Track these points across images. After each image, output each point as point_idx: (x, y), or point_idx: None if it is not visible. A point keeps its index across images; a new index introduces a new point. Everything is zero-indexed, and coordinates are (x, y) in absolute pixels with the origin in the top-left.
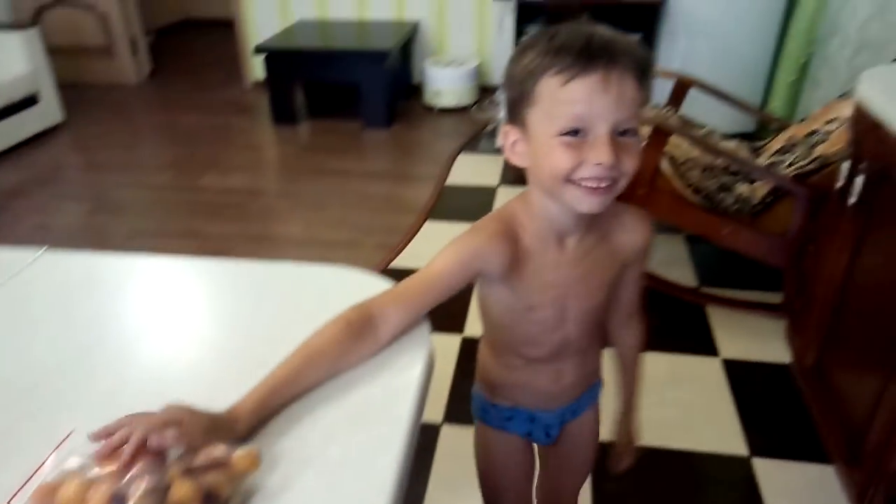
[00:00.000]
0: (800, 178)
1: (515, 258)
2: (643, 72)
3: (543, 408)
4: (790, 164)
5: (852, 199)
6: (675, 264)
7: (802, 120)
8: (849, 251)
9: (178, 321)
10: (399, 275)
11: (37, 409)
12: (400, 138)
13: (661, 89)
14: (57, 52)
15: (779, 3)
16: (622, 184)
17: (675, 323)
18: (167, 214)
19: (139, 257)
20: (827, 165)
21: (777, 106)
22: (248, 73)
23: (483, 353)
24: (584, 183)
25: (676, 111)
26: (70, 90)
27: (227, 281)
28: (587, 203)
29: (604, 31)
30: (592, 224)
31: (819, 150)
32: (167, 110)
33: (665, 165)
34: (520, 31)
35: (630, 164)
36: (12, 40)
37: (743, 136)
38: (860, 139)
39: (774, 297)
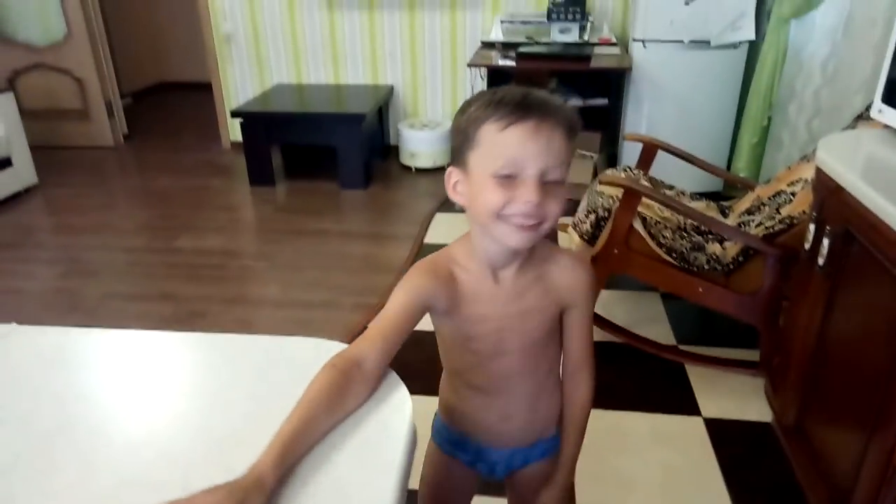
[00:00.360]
0: (769, 237)
1: (453, 292)
2: (571, 129)
3: (492, 444)
4: (759, 224)
5: (821, 261)
6: (652, 322)
7: (768, 181)
8: (821, 310)
9: (152, 398)
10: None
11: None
12: (377, 199)
13: (631, 152)
14: (33, 115)
15: (738, 67)
16: (546, 226)
17: (655, 381)
18: (141, 277)
19: (111, 331)
20: (793, 225)
21: (741, 166)
22: (226, 135)
23: (442, 379)
24: (513, 220)
25: (646, 173)
26: (45, 153)
27: (202, 354)
28: (515, 238)
29: (539, 91)
30: (527, 263)
31: (785, 211)
32: (143, 172)
33: (638, 226)
34: None
35: (554, 208)
36: None
37: (710, 196)
38: (823, 202)
39: (752, 355)
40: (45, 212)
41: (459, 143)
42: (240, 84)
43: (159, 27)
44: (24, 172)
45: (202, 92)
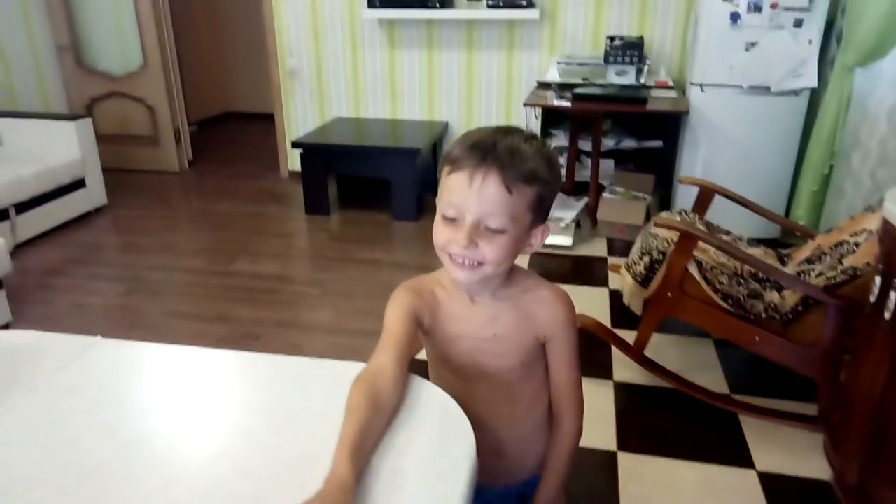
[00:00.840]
0: (830, 288)
1: (433, 309)
2: (515, 177)
3: (485, 482)
4: (819, 274)
5: (887, 315)
6: (705, 369)
7: (829, 230)
8: (887, 366)
9: (226, 414)
10: (424, 364)
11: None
12: (427, 231)
13: (685, 196)
14: (106, 140)
15: (799, 114)
16: (487, 269)
17: (707, 430)
18: (199, 298)
19: (188, 348)
20: (857, 276)
21: (800, 214)
22: (285, 164)
23: None
24: (454, 257)
25: (702, 217)
26: (115, 175)
27: (272, 375)
28: (457, 274)
29: (504, 138)
30: (503, 291)
31: (848, 262)
32: (205, 197)
33: (693, 270)
34: (546, 134)
35: (490, 254)
36: (66, 129)
37: (768, 243)
38: (890, 254)
39: (809, 408)
40: (113, 231)
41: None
42: (301, 116)
43: (227, 60)
44: (95, 193)
45: (264, 122)
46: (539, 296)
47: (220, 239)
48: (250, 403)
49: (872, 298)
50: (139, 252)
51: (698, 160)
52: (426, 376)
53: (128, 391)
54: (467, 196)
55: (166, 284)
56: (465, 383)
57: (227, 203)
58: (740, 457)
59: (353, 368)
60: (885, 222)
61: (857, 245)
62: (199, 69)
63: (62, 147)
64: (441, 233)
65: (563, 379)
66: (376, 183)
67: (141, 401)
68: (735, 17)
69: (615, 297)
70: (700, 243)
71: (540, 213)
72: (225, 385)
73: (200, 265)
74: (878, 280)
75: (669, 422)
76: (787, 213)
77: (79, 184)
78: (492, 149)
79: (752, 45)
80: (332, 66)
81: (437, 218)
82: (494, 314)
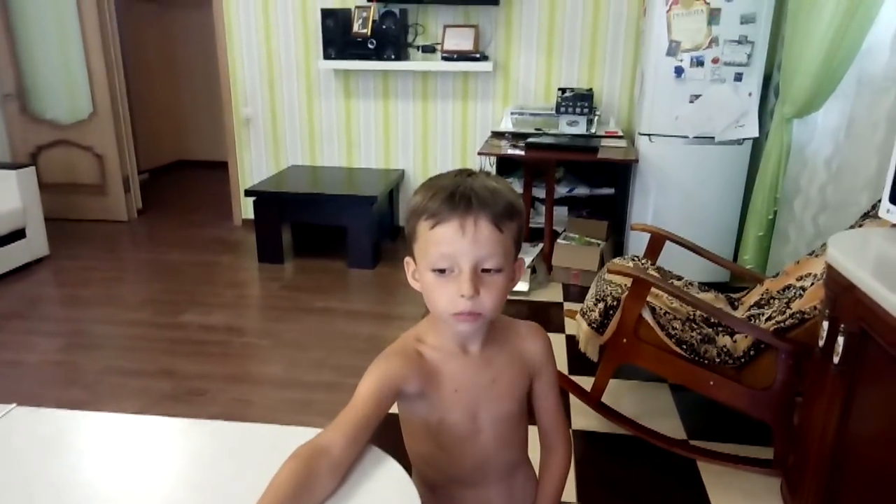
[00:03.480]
0: (780, 332)
1: (423, 372)
2: (502, 216)
3: None
4: (769, 318)
5: (836, 359)
6: (661, 415)
7: (776, 275)
8: (838, 410)
9: (150, 485)
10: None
11: None
12: (384, 279)
13: (637, 241)
14: (51, 188)
15: (743, 162)
16: (487, 315)
17: (665, 477)
18: (143, 352)
19: (110, 416)
20: (805, 321)
21: (747, 258)
22: (238, 212)
23: (413, 476)
24: (460, 314)
25: (654, 263)
26: (60, 224)
27: (202, 442)
28: (460, 327)
29: (474, 181)
30: (491, 333)
31: (796, 305)
32: (154, 247)
33: (647, 315)
34: None
35: (489, 298)
36: (6, 178)
37: (717, 287)
38: (836, 299)
39: (766, 452)
40: (53, 283)
41: (407, 235)
42: (255, 164)
43: (181, 107)
44: (36, 244)
45: (218, 170)
46: (520, 332)
47: (167, 290)
48: (180, 475)
49: (821, 343)
50: (81, 305)
51: (649, 206)
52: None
53: (43, 465)
54: (461, 245)
55: (108, 339)
56: (460, 442)
57: (178, 252)
58: None
59: (296, 436)
60: (829, 268)
61: (803, 289)
62: (151, 116)
63: (1, 196)
64: (439, 292)
65: (552, 407)
66: (332, 231)
67: (58, 476)
68: (679, 70)
69: (571, 342)
70: (653, 289)
71: (518, 246)
72: (153, 455)
73: (145, 317)
74: (825, 325)
75: (628, 471)
76: (735, 258)
77: (19, 234)
78: (472, 194)
79: (696, 97)
80: (288, 114)
81: (426, 277)
82: (488, 359)
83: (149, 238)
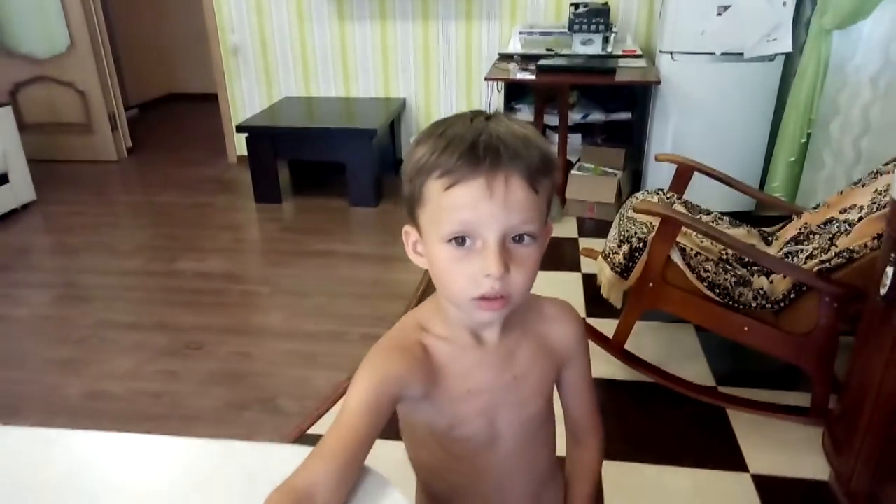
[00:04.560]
0: (824, 273)
1: (428, 370)
2: (538, 171)
3: None
4: (810, 256)
5: None
6: (687, 359)
7: (816, 207)
8: None
9: None
10: None
11: None
12: (388, 216)
13: (656, 168)
14: (34, 129)
15: (773, 81)
16: (517, 298)
17: (694, 429)
18: (137, 303)
19: (64, 432)
20: (853, 260)
21: (777, 186)
22: (232, 149)
23: (416, 493)
24: (484, 297)
25: (680, 197)
26: (46, 167)
27: (148, 460)
28: (482, 315)
29: (498, 125)
30: (510, 319)
31: (842, 243)
32: (145, 188)
33: (676, 258)
34: (510, 109)
35: (521, 276)
36: None
37: (740, 216)
38: None
39: (802, 398)
40: (42, 230)
41: (409, 197)
42: (247, 97)
43: (167, 38)
44: (21, 189)
45: (210, 104)
46: (547, 313)
47: (160, 235)
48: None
49: (883, 290)
50: (71, 253)
51: (669, 132)
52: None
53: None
54: (489, 210)
55: (100, 289)
56: (475, 453)
57: (170, 194)
58: (732, 458)
59: (280, 456)
60: (895, 205)
61: (849, 224)
62: (137, 48)
63: None
64: (456, 270)
65: (585, 407)
66: (331, 167)
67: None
68: None
69: (588, 282)
70: (682, 228)
71: (550, 205)
72: (98, 473)
73: (138, 266)
74: (889, 271)
75: (653, 422)
76: (762, 185)
77: (1, 179)
78: (500, 144)
79: (725, 8)
80: (279, 41)
81: (437, 251)
82: (509, 350)
83: (139, 178)
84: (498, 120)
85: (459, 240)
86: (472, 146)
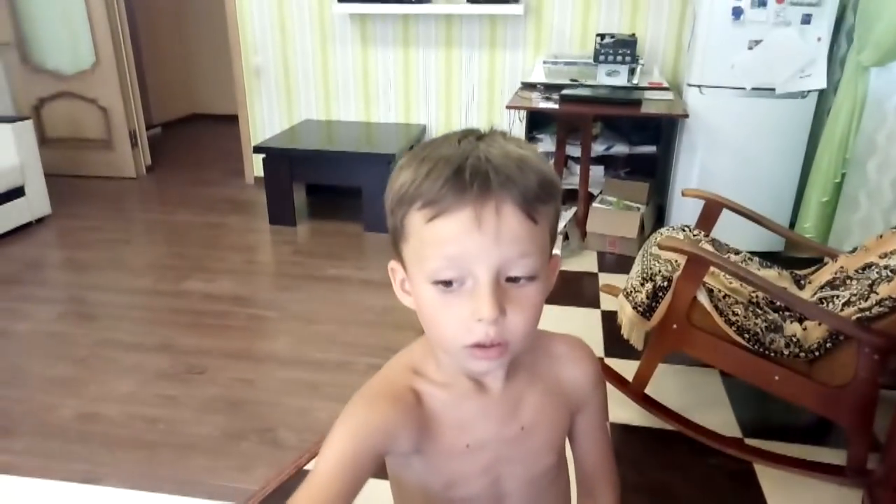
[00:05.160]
0: (864, 321)
1: (420, 422)
2: (536, 198)
3: None
4: (848, 303)
5: None
6: (711, 406)
7: (853, 251)
8: None
9: None
10: None
11: None
12: None
13: (681, 205)
14: (55, 144)
15: (806, 118)
16: (516, 346)
17: (719, 484)
18: (142, 323)
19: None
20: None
21: (808, 227)
22: (250, 170)
23: None
24: (478, 346)
25: (707, 235)
26: (64, 182)
27: None
28: (477, 365)
29: (490, 146)
30: (516, 360)
31: (884, 291)
32: (161, 206)
33: (703, 299)
34: (531, 139)
35: (520, 320)
36: (3, 132)
37: (768, 257)
38: None
39: (834, 455)
40: (54, 245)
41: (392, 230)
42: (267, 118)
43: (192, 58)
44: (36, 202)
45: (232, 125)
46: (555, 352)
47: (172, 254)
48: None
49: None
50: (81, 269)
51: (695, 167)
52: None
53: None
54: (479, 243)
55: (106, 307)
56: None
57: (185, 213)
58: None
59: None
60: None
61: (891, 270)
62: (162, 67)
63: None
64: (444, 315)
65: (600, 448)
66: (348, 191)
67: None
68: (738, 12)
69: (608, 319)
70: (711, 267)
71: (554, 236)
72: None
73: (147, 284)
74: None
75: (674, 474)
76: (792, 226)
77: (17, 192)
78: (489, 167)
79: (756, 42)
80: (301, 64)
81: (422, 292)
82: (516, 397)
83: (156, 196)
84: (491, 139)
85: (446, 280)
86: (457, 171)
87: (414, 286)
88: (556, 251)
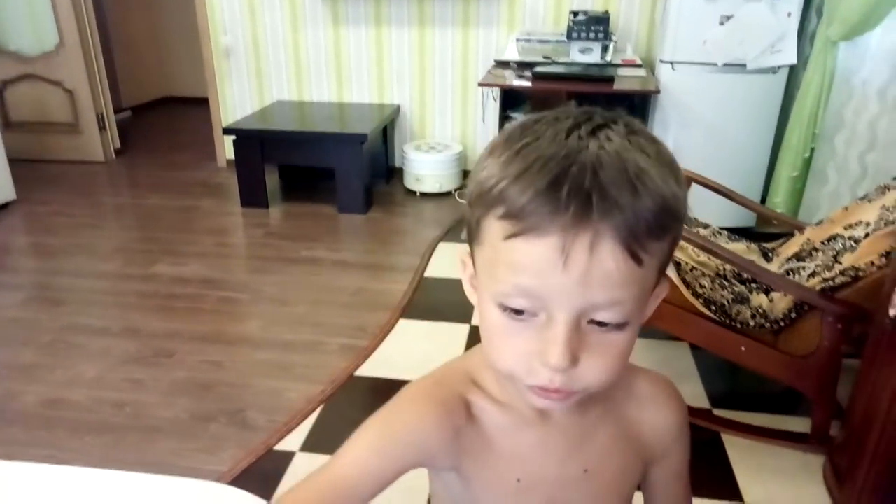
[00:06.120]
0: (828, 291)
1: (469, 440)
2: (648, 232)
3: None
4: (812, 274)
5: None
6: (681, 378)
7: (820, 222)
8: None
9: None
10: (365, 384)
11: None
12: (377, 225)
13: None
14: (19, 127)
15: (777, 94)
16: (591, 390)
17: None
18: (109, 307)
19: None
20: (859, 278)
21: (779, 201)
22: (221, 153)
23: None
24: (535, 389)
25: None
26: (30, 166)
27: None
28: (540, 403)
29: (607, 145)
30: (590, 398)
31: (847, 261)
32: (131, 190)
33: (671, 272)
34: (504, 117)
35: (593, 374)
36: None
37: (741, 232)
38: None
39: (801, 424)
40: (19, 230)
41: (467, 223)
42: (238, 100)
43: (163, 40)
44: (1, 187)
45: (204, 108)
46: (637, 391)
47: (142, 238)
48: None
49: (893, 311)
50: (47, 254)
51: (668, 144)
52: None
53: None
54: (561, 283)
55: (73, 292)
56: None
57: (156, 196)
58: (725, 486)
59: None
60: None
61: (854, 241)
62: (131, 49)
63: None
64: (507, 344)
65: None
66: (321, 173)
67: None
68: None
69: None
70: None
71: (663, 270)
72: None
73: (115, 269)
74: None
75: None
76: (763, 201)
77: None
78: (595, 185)
79: (728, 18)
80: (272, 44)
81: (489, 311)
82: (583, 433)
83: (126, 180)
84: (609, 135)
85: (517, 310)
86: (553, 183)
87: (481, 298)
88: (668, 273)
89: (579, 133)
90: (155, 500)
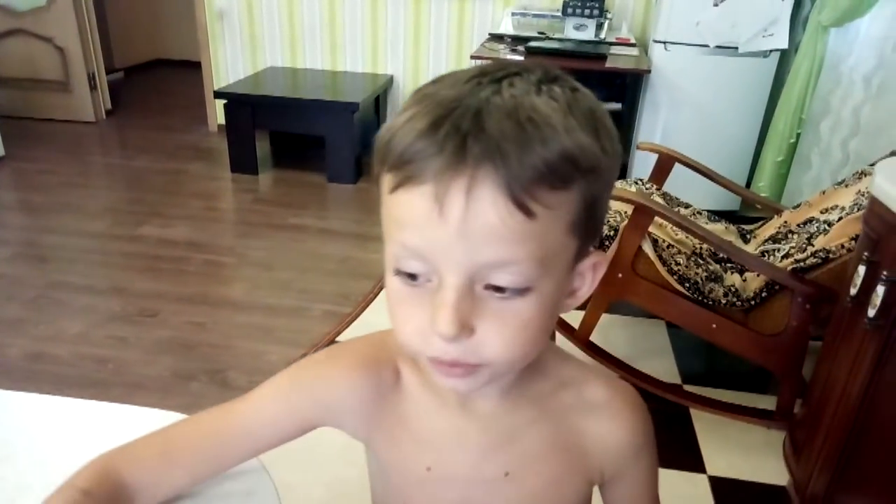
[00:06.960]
0: (798, 272)
1: (388, 409)
2: (541, 179)
3: None
4: (786, 255)
5: (871, 311)
6: (655, 355)
7: (797, 206)
8: (868, 368)
9: None
10: None
11: None
12: (366, 195)
13: (643, 163)
14: (8, 83)
15: (767, 78)
16: (497, 368)
17: (656, 426)
18: (95, 266)
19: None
20: (829, 260)
21: (763, 185)
22: (213, 117)
23: None
24: (435, 363)
25: (659, 188)
26: (19, 123)
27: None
28: (446, 382)
29: (509, 92)
30: (525, 385)
31: (819, 243)
32: (120, 151)
33: (648, 248)
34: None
35: (495, 345)
36: None
37: (725, 216)
38: (878, 241)
39: (767, 401)
40: (7, 187)
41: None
42: (231, 64)
43: (155, 1)
44: None
45: (197, 72)
46: (590, 396)
47: (130, 199)
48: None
49: (853, 290)
50: (34, 212)
51: (658, 124)
52: None
53: None
54: (439, 235)
55: (59, 250)
56: None
57: (145, 158)
58: (690, 458)
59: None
60: (874, 201)
61: (828, 224)
62: (125, 9)
63: None
64: (403, 312)
65: None
66: (313, 140)
67: None
68: None
69: None
70: (657, 218)
71: (590, 230)
72: None
73: (102, 228)
74: (860, 270)
75: None
76: (749, 184)
77: None
78: (474, 125)
79: (722, 0)
80: (266, 9)
81: (387, 279)
82: (507, 434)
83: (116, 141)
84: (516, 80)
85: (410, 273)
86: (432, 125)
87: (385, 269)
88: (602, 249)
89: (480, 80)
90: (122, 427)
